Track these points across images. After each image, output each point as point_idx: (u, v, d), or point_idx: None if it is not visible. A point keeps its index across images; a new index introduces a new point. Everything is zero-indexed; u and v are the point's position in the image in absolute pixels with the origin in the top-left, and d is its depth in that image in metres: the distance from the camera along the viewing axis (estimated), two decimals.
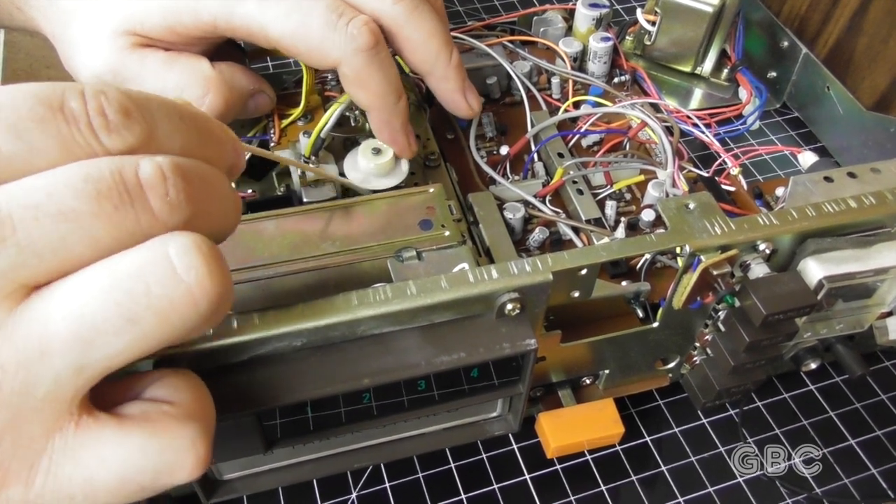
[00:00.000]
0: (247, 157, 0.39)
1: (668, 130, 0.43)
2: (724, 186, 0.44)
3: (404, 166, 0.38)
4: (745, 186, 0.44)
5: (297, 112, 0.39)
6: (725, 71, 0.54)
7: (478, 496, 0.35)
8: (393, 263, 0.32)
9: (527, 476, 0.36)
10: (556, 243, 0.40)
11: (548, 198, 0.42)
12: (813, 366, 0.37)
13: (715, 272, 0.30)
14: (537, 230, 0.40)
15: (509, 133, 0.47)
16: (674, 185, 0.41)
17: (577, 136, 0.46)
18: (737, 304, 0.31)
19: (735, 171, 0.45)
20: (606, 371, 0.36)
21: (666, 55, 0.54)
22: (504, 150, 0.45)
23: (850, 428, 0.38)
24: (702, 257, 0.30)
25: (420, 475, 0.36)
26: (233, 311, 0.23)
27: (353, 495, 0.35)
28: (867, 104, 0.48)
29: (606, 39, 0.49)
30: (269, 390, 0.26)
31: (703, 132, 0.48)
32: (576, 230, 0.40)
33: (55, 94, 0.19)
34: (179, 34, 0.33)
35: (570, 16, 0.53)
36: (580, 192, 0.42)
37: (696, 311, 0.33)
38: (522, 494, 0.36)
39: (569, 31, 0.53)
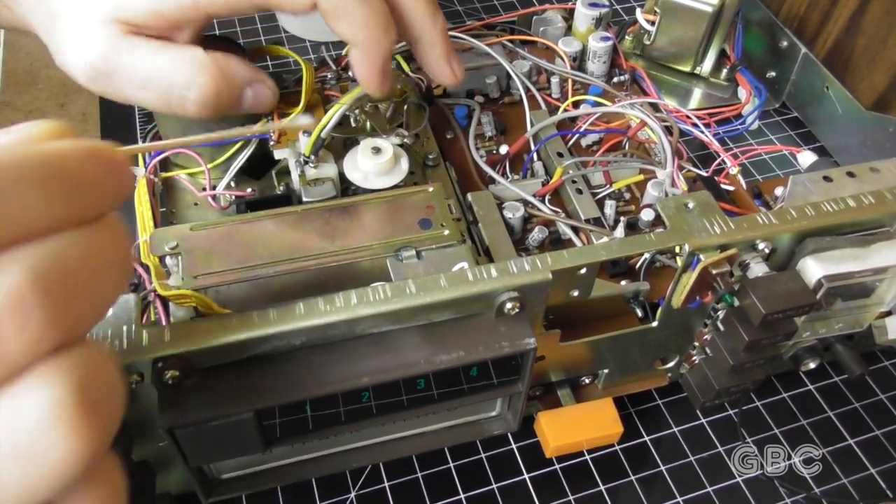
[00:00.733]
0: (246, 157, 0.40)
1: (668, 130, 0.43)
2: (723, 186, 0.44)
3: (404, 165, 0.38)
4: (745, 186, 0.44)
5: (296, 111, 0.39)
6: (725, 71, 0.54)
7: (477, 496, 0.35)
8: (392, 262, 0.32)
9: (526, 476, 0.36)
10: (555, 242, 0.41)
11: (547, 197, 0.42)
12: (812, 365, 0.37)
13: (714, 271, 0.30)
14: (536, 229, 0.40)
15: (509, 132, 0.47)
16: (673, 184, 0.41)
17: (576, 136, 0.46)
18: (736, 303, 0.31)
19: (734, 170, 0.45)
20: (605, 370, 0.36)
21: (665, 55, 0.54)
22: (503, 149, 0.45)
23: (849, 428, 0.38)
24: (701, 256, 0.30)
25: (419, 474, 0.36)
26: (233, 309, 0.23)
27: (352, 494, 0.35)
28: (866, 104, 0.48)
29: (606, 39, 0.50)
30: (268, 389, 0.26)
31: (702, 132, 0.48)
32: (575, 229, 0.40)
33: None
34: (166, 18, 0.33)
35: (569, 15, 0.53)
36: (579, 191, 0.42)
37: (696, 310, 0.33)
38: (521, 494, 0.36)
39: (568, 30, 0.53)
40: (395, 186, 0.37)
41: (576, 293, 0.31)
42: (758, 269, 0.31)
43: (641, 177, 0.43)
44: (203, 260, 0.32)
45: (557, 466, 0.36)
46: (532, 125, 0.45)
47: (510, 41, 0.50)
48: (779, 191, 0.44)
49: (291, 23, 0.59)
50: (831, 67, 0.50)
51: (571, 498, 0.35)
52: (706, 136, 0.48)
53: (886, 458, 0.37)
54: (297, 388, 0.27)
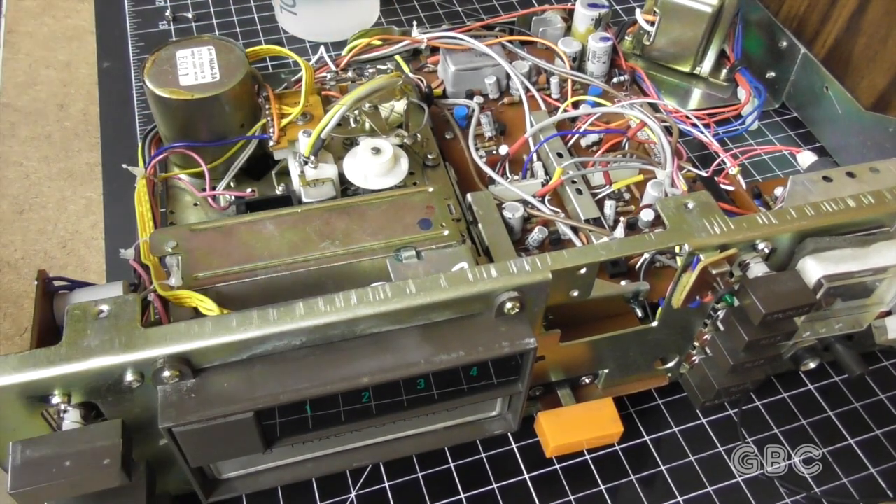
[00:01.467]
0: (246, 157, 0.40)
1: (667, 130, 0.43)
2: (723, 186, 0.44)
3: (404, 166, 0.38)
4: (744, 186, 0.44)
5: (296, 111, 0.39)
6: (724, 71, 0.54)
7: (477, 495, 0.35)
8: (392, 262, 0.32)
9: (526, 475, 0.36)
10: (555, 243, 0.41)
11: (547, 197, 0.42)
12: (812, 365, 0.37)
13: (714, 271, 0.30)
14: (536, 230, 0.40)
15: (508, 133, 0.47)
16: (673, 184, 0.41)
17: (576, 136, 0.46)
18: (736, 303, 0.31)
19: (734, 170, 0.45)
20: (605, 370, 0.36)
21: (665, 55, 0.54)
22: (503, 149, 0.45)
23: (849, 427, 0.38)
24: (701, 256, 0.30)
25: (419, 474, 0.36)
26: (233, 309, 0.23)
27: (353, 494, 0.35)
28: (866, 104, 0.48)
29: (605, 39, 0.50)
30: (268, 389, 0.26)
31: (701, 132, 0.48)
32: (575, 230, 0.40)
33: None
34: None
35: (569, 16, 0.53)
36: (579, 191, 0.42)
37: (695, 310, 0.33)
38: (521, 494, 0.36)
39: (568, 31, 0.53)
40: (395, 187, 0.37)
41: (576, 293, 0.31)
42: (758, 269, 0.31)
43: (641, 177, 0.43)
44: (203, 260, 0.32)
45: (558, 466, 0.36)
46: (532, 125, 0.45)
47: (510, 42, 0.50)
48: (778, 191, 0.44)
49: (291, 23, 0.59)
50: (831, 68, 0.50)
51: (572, 498, 0.35)
52: (706, 136, 0.48)
53: (886, 458, 0.37)
54: (297, 388, 0.27)
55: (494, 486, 0.36)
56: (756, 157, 0.50)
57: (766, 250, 0.31)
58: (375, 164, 0.37)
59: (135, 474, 0.26)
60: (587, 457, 0.37)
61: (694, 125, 0.48)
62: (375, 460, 0.34)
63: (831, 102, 0.50)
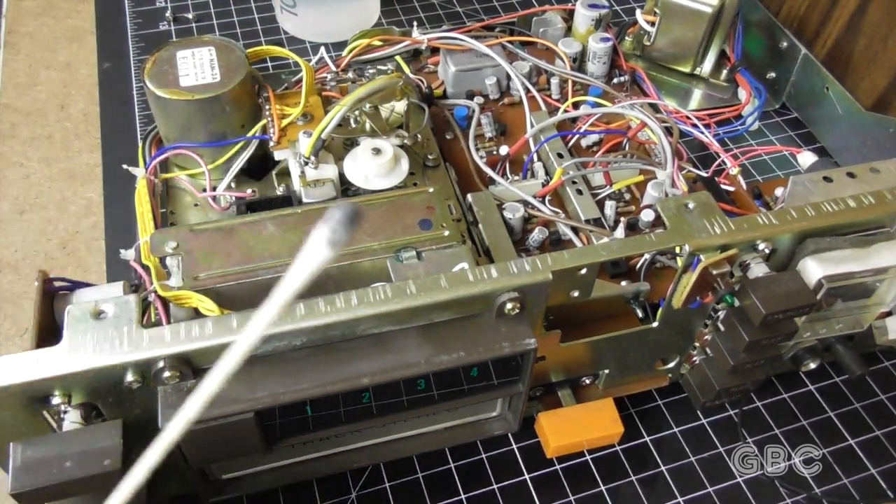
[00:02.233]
0: (247, 158, 0.40)
1: (668, 131, 0.43)
2: (723, 186, 0.44)
3: (404, 166, 0.38)
4: (745, 186, 0.44)
5: (296, 112, 0.39)
6: (724, 71, 0.54)
7: (477, 496, 0.35)
8: (392, 263, 0.32)
9: (526, 476, 0.36)
10: (555, 243, 0.41)
11: (547, 198, 0.42)
12: (812, 366, 0.37)
13: (714, 272, 0.30)
14: (537, 230, 0.40)
15: (509, 133, 0.47)
16: (673, 185, 0.41)
17: (576, 137, 0.46)
18: (736, 303, 0.31)
19: (734, 171, 0.45)
20: (606, 371, 0.36)
21: (665, 56, 0.54)
22: (503, 150, 0.45)
23: (849, 428, 0.38)
24: (701, 257, 0.30)
25: (419, 475, 0.36)
26: (233, 309, 0.23)
27: (353, 495, 0.35)
28: (866, 104, 0.48)
29: (606, 40, 0.50)
30: (269, 389, 0.26)
31: (702, 132, 0.48)
32: (575, 230, 0.40)
33: None
34: None
35: (569, 16, 0.53)
36: (579, 192, 0.42)
37: (696, 310, 0.33)
38: (522, 494, 0.36)
39: (568, 31, 0.53)
40: (396, 187, 0.37)
41: (576, 294, 0.31)
42: (758, 269, 0.31)
43: (641, 177, 0.43)
44: (203, 260, 0.32)
45: (558, 467, 0.36)
46: (532, 126, 0.45)
47: (510, 42, 0.50)
48: (779, 191, 0.44)
49: (291, 23, 0.59)
50: (831, 68, 0.50)
51: (572, 498, 0.35)
52: (706, 136, 0.48)
53: (887, 459, 0.37)
54: (297, 388, 0.27)
55: (495, 486, 0.36)
56: (756, 158, 0.50)
57: (767, 251, 0.31)
58: (376, 165, 0.37)
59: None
60: (588, 457, 0.37)
61: (694, 126, 0.48)
62: (376, 461, 0.34)
63: (832, 103, 0.50)
